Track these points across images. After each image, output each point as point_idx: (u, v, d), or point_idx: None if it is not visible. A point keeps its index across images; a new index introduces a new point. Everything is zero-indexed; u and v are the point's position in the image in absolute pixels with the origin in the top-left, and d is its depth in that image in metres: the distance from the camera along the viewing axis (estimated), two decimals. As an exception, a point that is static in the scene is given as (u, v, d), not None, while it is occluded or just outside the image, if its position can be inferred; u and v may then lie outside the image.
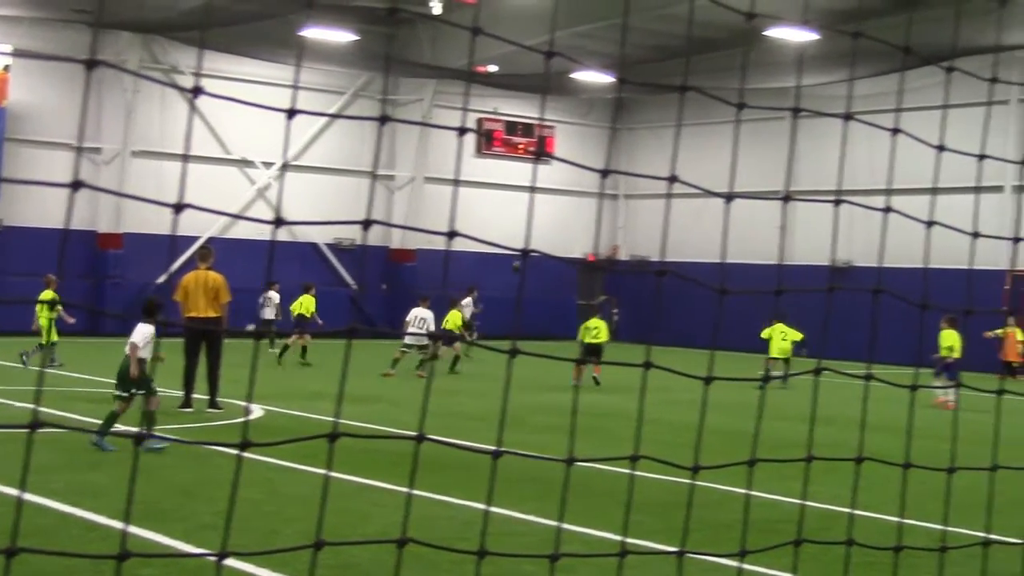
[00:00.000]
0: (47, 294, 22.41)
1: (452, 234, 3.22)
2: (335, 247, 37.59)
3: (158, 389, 12.66)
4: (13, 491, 9.36)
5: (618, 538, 6.71)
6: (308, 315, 26.57)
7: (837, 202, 4.46)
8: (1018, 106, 32.36)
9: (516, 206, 39.51)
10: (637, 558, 7.44)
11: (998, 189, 32.26)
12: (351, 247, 37.63)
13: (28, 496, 9.05)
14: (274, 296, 28.78)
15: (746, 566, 7.38)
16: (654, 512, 9.54)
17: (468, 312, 28.99)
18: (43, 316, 21.01)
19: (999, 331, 27.01)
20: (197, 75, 32.59)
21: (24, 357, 21.32)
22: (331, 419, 3.15)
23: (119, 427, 12.08)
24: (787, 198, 4.55)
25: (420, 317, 24.25)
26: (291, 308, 27.25)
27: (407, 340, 23.69)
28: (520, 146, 40.64)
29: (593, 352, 22.79)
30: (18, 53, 31.67)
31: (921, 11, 27.80)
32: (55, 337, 21.47)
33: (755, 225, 30.68)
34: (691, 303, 29.08)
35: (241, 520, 8.60)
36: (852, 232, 34.57)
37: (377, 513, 9.53)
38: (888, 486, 9.56)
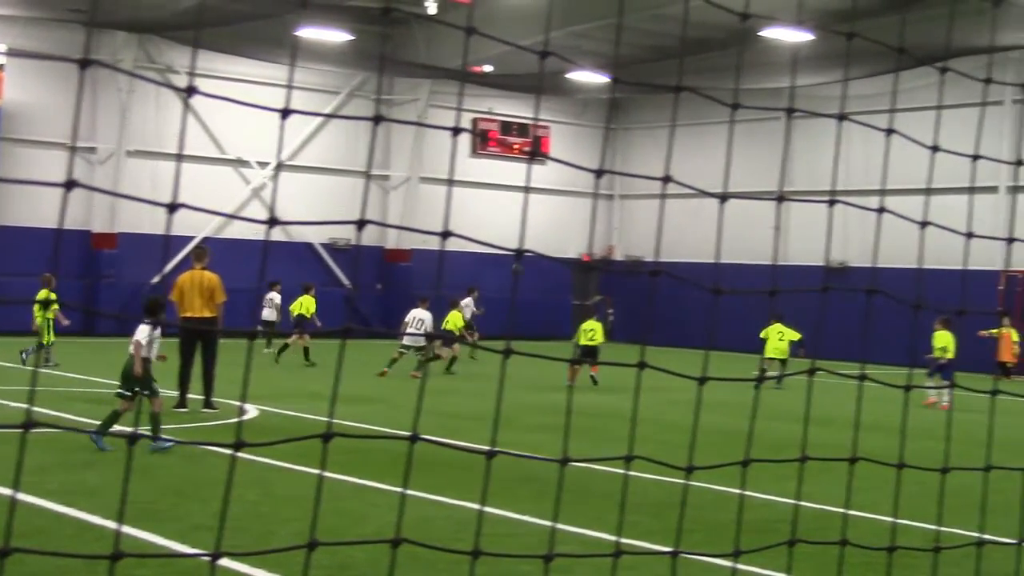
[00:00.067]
0: (44, 293, 22.43)
1: (446, 234, 3.22)
2: (330, 247, 37.58)
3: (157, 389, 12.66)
4: (7, 491, 9.35)
5: (614, 539, 6.72)
6: (308, 315, 26.62)
7: (831, 202, 4.47)
8: (1012, 107, 32.40)
9: (511, 206, 39.52)
10: (633, 558, 7.44)
11: (993, 190, 32.31)
12: (346, 247, 37.62)
13: (22, 496, 9.04)
14: (275, 297, 28.81)
15: (741, 566, 7.39)
16: (650, 512, 9.55)
17: (468, 313, 29.00)
18: (40, 315, 21.14)
19: (994, 331, 27.05)
20: (191, 75, 32.58)
21: (24, 356, 21.50)
22: (327, 419, 3.15)
23: (115, 427, 12.07)
24: (781, 198, 4.55)
25: (418, 318, 24.27)
26: (290, 308, 27.33)
27: (405, 341, 23.69)
28: (515, 146, 40.64)
29: (589, 354, 22.83)
30: (13, 52, 31.63)
31: (915, 12, 27.83)
32: (52, 337, 21.56)
33: (751, 225, 30.68)
34: (687, 303, 29.07)
35: (236, 520, 8.60)
36: (847, 232, 34.64)
37: (373, 513, 9.53)
38: (883, 486, 9.58)
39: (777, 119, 36.67)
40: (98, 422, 12.25)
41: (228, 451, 2.91)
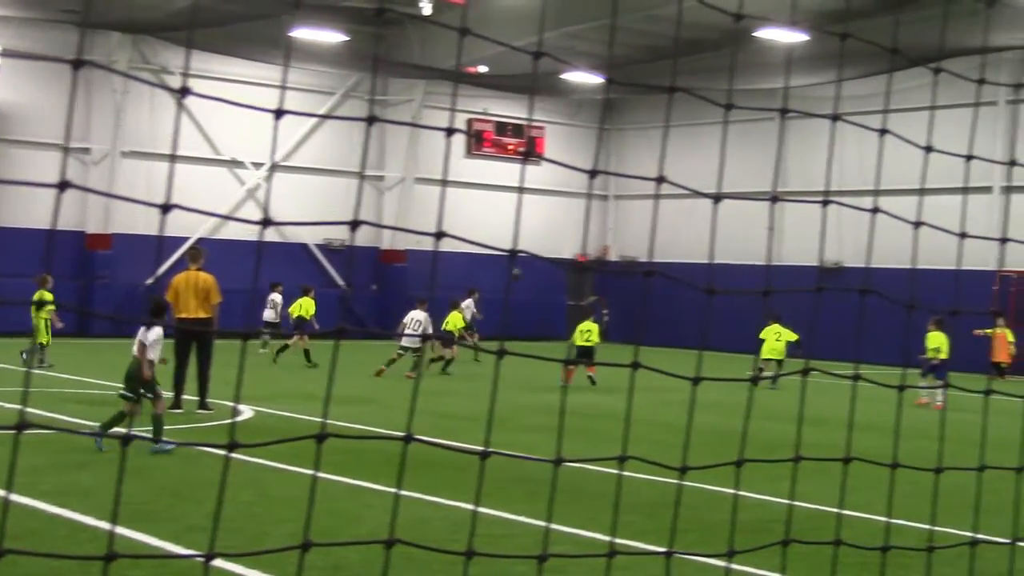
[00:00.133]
0: (40, 294, 22.45)
1: (440, 235, 3.22)
2: (325, 248, 37.56)
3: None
4: (0, 492, 9.33)
5: (609, 539, 6.72)
6: (307, 317, 26.74)
7: (825, 203, 4.47)
8: (1006, 107, 32.47)
9: (506, 207, 39.53)
10: (627, 559, 7.45)
11: (987, 190, 32.37)
12: (341, 248, 37.61)
13: (16, 497, 9.02)
14: (276, 298, 28.88)
15: (735, 566, 7.40)
16: (645, 513, 9.56)
17: (469, 314, 29.06)
18: (37, 315, 21.25)
19: (988, 331, 27.09)
20: (185, 75, 32.59)
21: (25, 356, 21.59)
22: (321, 420, 3.15)
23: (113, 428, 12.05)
24: (775, 199, 4.55)
25: (416, 320, 24.33)
26: (289, 311, 27.48)
27: (404, 342, 23.76)
28: (510, 147, 40.65)
29: (585, 355, 22.93)
30: (7, 53, 31.59)
31: (909, 12, 27.88)
32: (48, 338, 21.69)
33: (745, 226, 30.75)
34: (682, 304, 29.09)
35: (231, 521, 8.59)
36: (842, 233, 34.66)
37: (368, 514, 9.52)
38: (877, 486, 9.59)
39: (771, 120, 36.70)
40: (91, 423, 12.24)
41: (223, 452, 2.91)
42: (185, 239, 32.74)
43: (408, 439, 3.20)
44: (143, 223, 33.35)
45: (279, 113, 3.00)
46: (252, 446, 2.98)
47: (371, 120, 3.20)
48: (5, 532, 2.68)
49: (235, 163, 35.73)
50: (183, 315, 15.84)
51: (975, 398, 5.63)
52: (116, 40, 33.12)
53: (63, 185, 2.54)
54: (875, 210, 4.46)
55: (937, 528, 7.71)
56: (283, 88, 3.51)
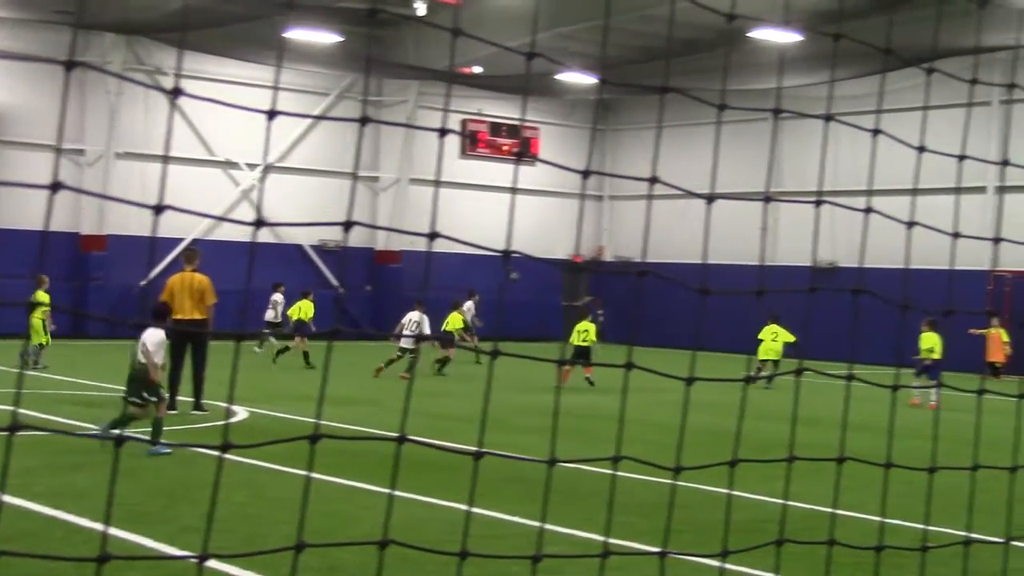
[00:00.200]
0: (38, 295, 22.45)
1: (433, 235, 3.22)
2: (320, 249, 37.54)
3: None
4: (-5, 494, 9.32)
5: (604, 539, 6.72)
6: (306, 320, 26.83)
7: (818, 203, 4.48)
8: (1000, 107, 32.51)
9: (501, 207, 39.52)
10: (622, 559, 7.45)
11: (981, 190, 32.41)
12: (336, 249, 37.59)
13: (10, 499, 9.01)
14: (278, 298, 28.94)
15: (730, 566, 7.40)
16: (641, 513, 9.56)
17: (469, 317, 29.12)
18: (34, 316, 21.25)
19: (984, 331, 27.14)
20: (178, 76, 32.53)
21: (27, 357, 21.57)
22: (316, 421, 3.15)
23: (95, 429, 12.03)
24: (768, 199, 4.56)
25: (414, 321, 24.40)
26: (289, 313, 27.59)
27: (402, 343, 23.87)
28: (505, 147, 40.66)
29: (582, 355, 23.00)
30: (1, 54, 31.55)
31: (902, 13, 27.91)
32: (43, 338, 21.71)
33: (740, 226, 30.73)
34: (676, 304, 29.12)
35: (226, 523, 8.59)
36: (836, 233, 34.71)
37: (364, 515, 9.52)
38: (871, 486, 9.60)
39: (765, 120, 36.73)
40: (86, 424, 12.22)
41: (217, 453, 2.91)
42: (179, 240, 32.72)
43: (402, 440, 3.20)
44: (137, 224, 33.33)
45: (271, 114, 3.00)
46: (245, 447, 2.98)
47: (364, 121, 3.20)
48: (0, 534, 2.68)
49: (230, 164, 35.70)
50: (178, 316, 15.82)
51: (968, 398, 5.64)
52: (111, 41, 33.08)
53: (55, 186, 2.54)
54: (868, 210, 4.46)
55: (931, 528, 7.72)
56: (275, 89, 3.51)
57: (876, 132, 4.51)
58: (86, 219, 33.45)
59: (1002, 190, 31.53)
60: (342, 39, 32.96)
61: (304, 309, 26.94)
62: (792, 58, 31.11)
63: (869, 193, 28.89)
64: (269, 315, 28.78)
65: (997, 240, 5.86)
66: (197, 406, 15.74)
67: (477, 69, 35.69)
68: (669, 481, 4.15)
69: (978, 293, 31.32)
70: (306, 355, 25.39)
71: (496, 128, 40.39)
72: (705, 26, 31.48)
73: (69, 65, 2.72)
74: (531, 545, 8.09)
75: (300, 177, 36.79)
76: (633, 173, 37.67)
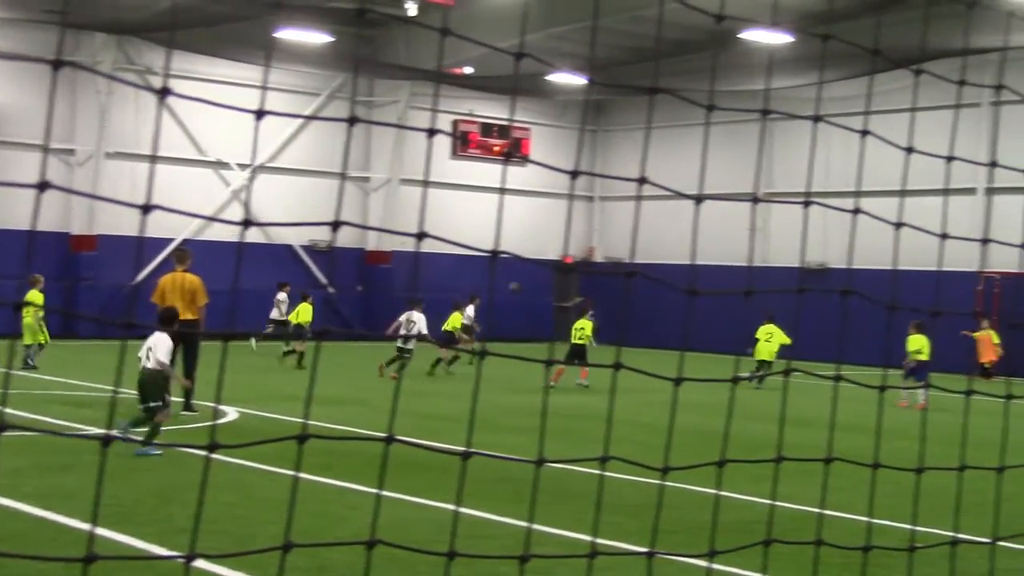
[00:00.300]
0: (33, 294, 22.41)
1: (421, 235, 3.22)
2: (310, 249, 37.50)
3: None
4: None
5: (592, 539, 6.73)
6: (305, 325, 26.96)
7: (806, 203, 4.49)
8: (989, 109, 32.60)
9: (492, 208, 39.48)
10: (611, 559, 7.46)
11: (970, 191, 32.49)
12: (327, 249, 37.55)
13: (-1, 500, 8.99)
14: (283, 297, 29.00)
15: (717, 566, 7.41)
16: (630, 513, 9.57)
17: (470, 320, 29.18)
18: (28, 315, 21.24)
19: (974, 333, 27.22)
20: (167, 76, 32.47)
21: (27, 357, 21.59)
22: (304, 421, 3.16)
23: (91, 429, 12.01)
24: (756, 199, 4.57)
25: (411, 320, 24.48)
26: (288, 318, 27.81)
27: (400, 343, 24.10)
28: (496, 148, 40.65)
29: (578, 353, 23.16)
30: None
31: (891, 14, 27.97)
32: (40, 338, 21.76)
33: (731, 227, 30.77)
34: (665, 305, 29.14)
35: (215, 523, 8.57)
36: (827, 234, 34.74)
37: (353, 515, 9.52)
38: (859, 486, 9.62)
39: (756, 121, 36.77)
40: (75, 425, 12.19)
41: (204, 453, 2.91)
42: (170, 240, 32.66)
43: (390, 440, 3.20)
44: (127, 224, 33.25)
45: (260, 114, 3.00)
46: (233, 447, 2.98)
47: (352, 121, 3.20)
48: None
49: (220, 164, 35.65)
50: (168, 316, 15.81)
51: (956, 398, 5.66)
52: (101, 41, 33.01)
53: (43, 186, 2.54)
54: (856, 211, 4.48)
55: (918, 528, 7.74)
56: (264, 89, 3.51)
57: (865, 133, 4.53)
58: (76, 219, 33.37)
59: (991, 191, 31.62)
60: (333, 39, 32.94)
61: (302, 314, 27.06)
62: (782, 59, 31.16)
63: (858, 194, 28.97)
64: (274, 314, 28.96)
65: (985, 241, 5.89)
66: (187, 407, 15.71)
67: (468, 70, 35.69)
68: (657, 481, 4.16)
69: (967, 294, 31.39)
70: (300, 356, 25.54)
71: (487, 129, 40.38)
72: (695, 27, 31.52)
73: (57, 64, 2.72)
74: (519, 545, 8.09)
75: (290, 177, 36.74)
76: (624, 174, 37.70)
